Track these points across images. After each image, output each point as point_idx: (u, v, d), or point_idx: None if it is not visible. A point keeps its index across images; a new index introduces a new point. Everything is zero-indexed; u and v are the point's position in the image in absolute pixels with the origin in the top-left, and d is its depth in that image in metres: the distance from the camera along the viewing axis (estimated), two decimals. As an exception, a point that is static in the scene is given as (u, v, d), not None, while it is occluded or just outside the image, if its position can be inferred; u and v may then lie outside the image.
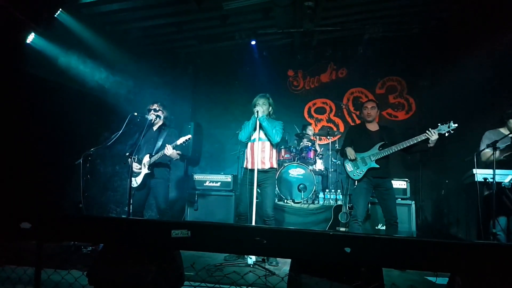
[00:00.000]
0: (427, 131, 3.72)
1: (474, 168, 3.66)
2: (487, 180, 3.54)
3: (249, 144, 4.16)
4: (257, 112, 4.01)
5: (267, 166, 4.07)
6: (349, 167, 4.10)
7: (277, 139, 4.04)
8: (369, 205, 4.91)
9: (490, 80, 5.37)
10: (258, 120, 3.98)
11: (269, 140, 4.08)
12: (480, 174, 3.61)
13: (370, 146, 4.02)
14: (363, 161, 4.01)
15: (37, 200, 4.82)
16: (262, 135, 4.10)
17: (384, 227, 4.54)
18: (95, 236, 2.23)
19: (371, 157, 3.97)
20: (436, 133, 3.70)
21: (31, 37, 5.00)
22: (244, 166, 4.22)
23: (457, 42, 6.16)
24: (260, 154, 4.06)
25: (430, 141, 3.72)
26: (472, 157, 3.73)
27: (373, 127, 4.18)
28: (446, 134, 3.71)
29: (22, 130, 4.86)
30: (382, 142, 3.99)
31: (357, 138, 4.18)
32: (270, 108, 4.19)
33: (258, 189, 4.03)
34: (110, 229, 2.09)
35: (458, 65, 5.99)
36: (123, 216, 5.77)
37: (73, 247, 3.95)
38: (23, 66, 4.98)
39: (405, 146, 3.84)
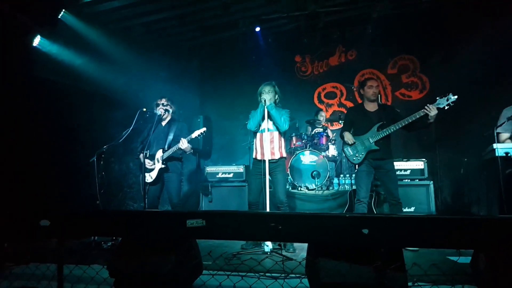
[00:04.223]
0: (425, 107, 3.60)
1: (494, 143, 3.54)
2: (509, 155, 3.42)
3: (258, 134, 4.14)
4: (264, 100, 3.96)
5: (276, 156, 4.08)
6: (348, 151, 4.01)
7: (286, 126, 4.04)
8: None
9: (507, 53, 5.17)
10: (266, 108, 3.94)
11: (277, 129, 4.08)
12: (501, 148, 3.49)
13: (369, 128, 3.91)
14: (362, 144, 3.91)
15: (55, 198, 4.91)
16: (270, 125, 4.09)
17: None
18: (113, 230, 2.27)
19: (370, 139, 3.86)
20: (435, 108, 3.57)
21: (37, 40, 5.04)
22: (254, 156, 4.22)
23: (469, 15, 5.93)
24: (269, 144, 4.06)
25: (429, 117, 3.59)
26: (492, 132, 3.61)
27: (371, 107, 4.04)
28: (446, 107, 3.56)
29: (38, 131, 4.95)
30: (381, 123, 3.87)
31: (356, 119, 4.07)
32: (276, 96, 4.16)
33: (269, 178, 4.04)
34: (127, 223, 2.12)
35: (471, 39, 5.79)
36: (139, 210, 5.84)
37: (93, 243, 4.02)
38: (32, 69, 5.03)
39: (404, 125, 3.72)
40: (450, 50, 6.44)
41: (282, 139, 4.15)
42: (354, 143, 3.94)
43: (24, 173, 4.69)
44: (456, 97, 3.54)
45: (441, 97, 3.60)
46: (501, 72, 5.23)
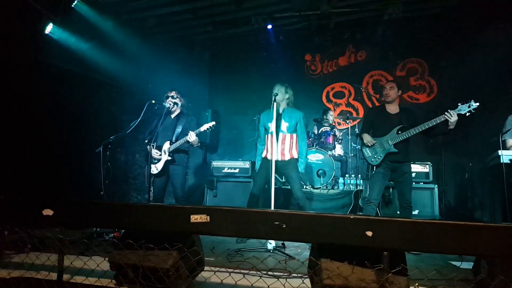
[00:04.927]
0: (446, 113, 3.55)
1: (500, 149, 3.52)
2: (513, 162, 3.41)
3: (269, 135, 4.16)
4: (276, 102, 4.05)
5: (286, 157, 4.14)
6: (367, 152, 3.99)
7: (305, 136, 4.28)
8: (391, 190, 4.82)
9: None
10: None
11: (290, 131, 4.14)
12: (506, 155, 3.48)
13: (389, 130, 3.90)
14: (381, 146, 3.89)
15: (59, 188, 4.96)
16: (283, 127, 4.13)
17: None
18: (116, 222, 2.28)
19: (389, 141, 3.85)
20: (455, 114, 3.52)
21: (49, 28, 5.07)
22: (264, 155, 4.25)
23: (479, 21, 5.88)
24: (280, 145, 4.11)
25: (449, 123, 3.56)
26: (497, 138, 3.59)
27: (393, 109, 4.03)
28: (467, 114, 3.52)
29: (43, 119, 4.99)
30: (401, 126, 3.86)
31: (376, 120, 4.06)
32: (287, 95, 4.17)
33: (280, 178, 4.12)
34: (130, 215, 2.12)
35: (480, 44, 5.74)
36: (144, 203, 5.88)
37: (95, 234, 4.05)
38: (42, 56, 5.07)
39: (423, 129, 3.69)
40: (459, 55, 6.40)
41: (294, 141, 4.20)
42: (374, 144, 3.93)
43: (29, 160, 4.73)
44: (477, 104, 3.49)
45: (462, 103, 3.55)
46: (510, 77, 5.18)
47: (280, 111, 4.19)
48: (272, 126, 4.05)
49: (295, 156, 4.17)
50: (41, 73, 5.00)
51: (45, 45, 5.08)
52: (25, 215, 2.29)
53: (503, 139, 3.72)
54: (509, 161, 3.45)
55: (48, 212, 2.13)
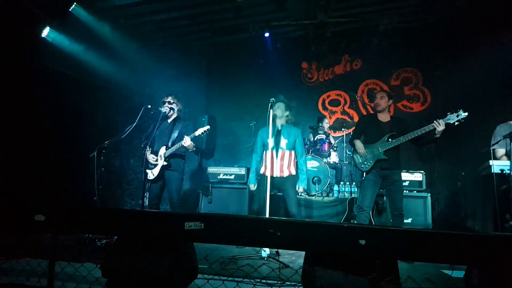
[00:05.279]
0: (434, 121, 3.61)
1: (491, 159, 3.58)
2: (504, 172, 3.45)
3: (268, 152, 4.18)
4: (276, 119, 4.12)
5: (285, 174, 4.17)
6: (357, 158, 4.05)
7: (304, 152, 4.32)
8: (384, 198, 4.84)
9: (508, 69, 5.20)
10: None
11: (289, 149, 4.18)
12: (497, 165, 3.53)
13: (380, 137, 3.96)
14: (372, 153, 3.95)
15: (52, 192, 4.91)
16: (282, 144, 4.17)
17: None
18: (109, 228, 2.25)
19: (379, 148, 3.91)
20: (443, 123, 3.59)
21: (46, 31, 5.07)
22: (262, 172, 4.26)
23: (473, 32, 5.98)
24: (279, 161, 4.15)
25: (436, 132, 3.62)
26: (488, 149, 3.65)
27: (384, 117, 4.10)
28: (456, 123, 3.58)
29: (37, 122, 4.95)
30: (391, 133, 3.92)
31: (368, 128, 4.14)
32: (287, 113, 4.25)
33: (279, 193, 4.13)
34: (124, 221, 2.10)
35: (474, 55, 5.83)
36: (137, 209, 5.85)
37: (88, 240, 4.01)
38: (38, 59, 5.06)
39: (412, 137, 3.75)
40: (453, 65, 6.49)
41: (293, 157, 4.23)
42: (365, 153, 3.98)
43: (22, 164, 4.68)
44: (466, 114, 3.55)
45: (451, 113, 3.62)
46: (502, 88, 5.26)
47: (279, 128, 4.24)
48: (270, 141, 4.09)
49: (293, 172, 4.20)
50: (36, 76, 4.98)
51: (41, 48, 5.07)
52: (17, 221, 2.25)
53: (492, 149, 3.77)
54: (499, 171, 3.50)
55: (40, 217, 2.11)
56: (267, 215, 3.78)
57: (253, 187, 4.36)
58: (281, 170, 4.14)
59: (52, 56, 5.21)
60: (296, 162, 4.29)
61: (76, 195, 5.47)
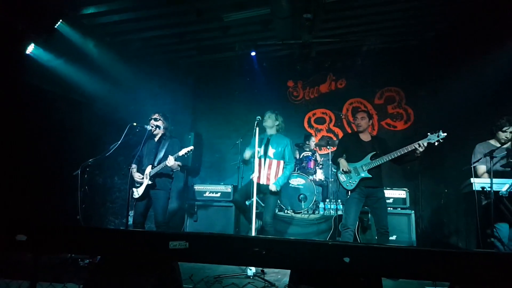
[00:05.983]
0: (416, 143, 3.75)
1: (472, 177, 3.67)
2: (485, 189, 3.55)
3: (257, 159, 4.24)
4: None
5: (271, 182, 4.27)
6: (342, 177, 4.12)
7: (293, 161, 4.43)
8: (369, 216, 4.89)
9: (488, 90, 5.40)
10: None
11: (277, 159, 4.30)
12: (478, 183, 3.62)
13: (363, 156, 4.05)
14: (356, 171, 4.03)
15: (34, 211, 4.79)
16: (270, 153, 4.30)
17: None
18: (92, 248, 2.20)
19: (363, 167, 3.99)
20: (425, 143, 3.71)
21: (30, 48, 5.04)
22: (251, 177, 4.31)
23: (454, 53, 6.24)
24: (266, 170, 4.27)
25: (417, 151, 3.74)
26: (469, 167, 3.75)
27: (365, 137, 4.21)
28: (436, 144, 3.72)
29: (19, 140, 4.86)
30: (374, 152, 4.02)
31: (350, 147, 4.22)
32: (277, 122, 4.36)
33: (261, 201, 4.23)
34: (107, 241, 2.06)
35: (454, 75, 6.06)
36: (121, 228, 5.74)
37: (70, 260, 3.90)
38: (22, 76, 5.01)
39: (394, 157, 3.86)
40: (435, 85, 6.71)
41: (280, 167, 4.34)
42: (349, 170, 4.04)
43: (3, 182, 4.57)
44: (445, 134, 3.69)
45: (432, 133, 3.75)
46: (483, 107, 5.44)
47: (269, 136, 4.38)
48: (260, 149, 4.22)
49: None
50: (20, 93, 4.93)
51: (25, 65, 5.04)
52: (-3, 241, 2.19)
53: (473, 166, 3.88)
54: (480, 189, 3.59)
55: (21, 237, 2.06)
56: (253, 225, 3.83)
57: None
58: (267, 179, 4.27)
59: (37, 73, 5.17)
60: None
61: (59, 214, 5.34)
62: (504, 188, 3.48)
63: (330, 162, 6.23)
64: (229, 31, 6.22)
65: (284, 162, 4.37)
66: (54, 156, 5.32)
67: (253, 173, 4.31)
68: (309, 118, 7.79)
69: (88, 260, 3.91)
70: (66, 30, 5.36)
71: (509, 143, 3.82)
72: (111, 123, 6.05)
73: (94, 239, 2.09)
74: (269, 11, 5.36)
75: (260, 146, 4.26)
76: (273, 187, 4.22)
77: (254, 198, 3.97)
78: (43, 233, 2.10)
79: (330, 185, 6.29)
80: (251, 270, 3.58)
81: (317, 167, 6.32)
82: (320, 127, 7.73)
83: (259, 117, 4.11)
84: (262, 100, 7.25)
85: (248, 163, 4.45)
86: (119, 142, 4.12)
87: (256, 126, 4.03)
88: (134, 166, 4.26)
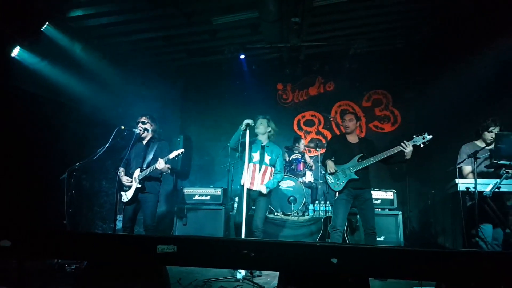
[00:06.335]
0: (401, 143, 3.80)
1: (457, 178, 3.73)
2: (469, 190, 3.61)
3: (251, 164, 4.28)
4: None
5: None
6: (330, 178, 4.16)
7: (283, 169, 4.50)
8: (358, 217, 4.93)
9: (472, 92, 5.50)
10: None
11: (270, 165, 4.33)
12: (463, 183, 3.68)
13: (350, 158, 4.10)
14: (343, 173, 4.07)
15: (19, 216, 4.69)
16: (266, 159, 4.31)
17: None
18: (79, 253, 2.17)
19: (351, 169, 4.03)
20: (411, 145, 3.78)
21: (16, 51, 4.96)
22: (242, 183, 4.29)
23: (440, 56, 6.35)
24: (261, 176, 4.27)
25: (405, 153, 3.80)
26: (454, 168, 3.81)
27: (353, 139, 4.26)
28: (422, 146, 3.78)
29: (4, 143, 4.77)
30: (361, 154, 4.06)
31: (338, 149, 4.26)
32: (269, 129, 4.37)
33: (253, 206, 4.21)
34: (94, 245, 2.04)
35: (440, 78, 6.16)
36: (109, 232, 5.67)
37: (56, 265, 3.84)
38: (7, 79, 4.92)
39: (381, 158, 3.91)
40: (421, 87, 6.83)
41: (272, 173, 4.38)
42: (336, 171, 4.07)
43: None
44: (431, 136, 3.75)
45: (417, 135, 3.81)
46: (468, 109, 5.53)
47: (263, 144, 4.38)
48: (250, 157, 4.24)
49: (271, 187, 4.31)
50: (4, 96, 4.84)
51: (10, 68, 4.95)
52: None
53: (458, 167, 3.94)
54: (465, 189, 3.65)
55: (5, 242, 2.02)
56: (243, 229, 3.85)
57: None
58: (261, 184, 4.26)
59: (22, 76, 5.08)
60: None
61: (45, 219, 5.24)
62: (488, 189, 3.54)
63: (319, 164, 6.27)
64: (218, 34, 6.24)
65: (274, 170, 4.41)
66: (40, 160, 5.22)
67: (243, 177, 4.32)
68: (299, 121, 7.84)
69: (75, 265, 3.84)
70: (52, 33, 5.29)
71: (493, 145, 3.89)
72: (99, 126, 5.98)
73: (81, 244, 2.06)
74: (257, 14, 5.38)
75: (254, 151, 4.29)
76: (263, 188, 4.21)
77: (245, 200, 3.95)
78: (28, 238, 2.07)
79: (320, 187, 6.33)
80: (241, 274, 3.57)
81: (306, 169, 6.36)
82: (309, 129, 7.78)
83: (247, 121, 4.07)
84: (251, 103, 7.28)
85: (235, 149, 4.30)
86: (107, 146, 4.07)
87: (246, 130, 4.05)
88: (121, 169, 4.21)
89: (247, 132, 4.10)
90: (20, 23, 4.96)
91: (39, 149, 5.27)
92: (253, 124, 4.16)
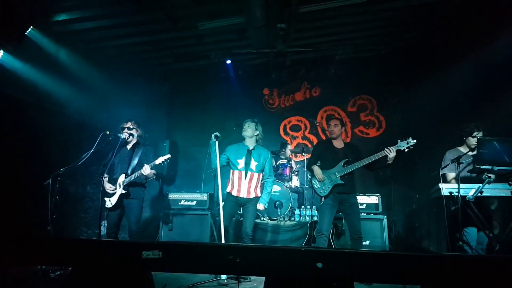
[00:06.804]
0: (385, 149, 3.87)
1: (440, 183, 3.81)
2: (452, 194, 3.68)
3: (236, 172, 4.25)
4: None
5: (251, 195, 4.25)
6: (315, 183, 4.20)
7: (273, 174, 4.46)
8: (343, 221, 4.98)
9: (455, 98, 5.63)
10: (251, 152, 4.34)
11: (258, 172, 4.27)
12: (446, 188, 3.76)
13: (336, 163, 4.15)
14: (329, 178, 4.12)
15: (1, 222, 4.59)
16: (252, 165, 4.25)
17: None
18: (63, 259, 2.15)
19: (336, 174, 4.09)
20: (394, 150, 3.84)
21: (-1, 54, 4.88)
22: (228, 190, 4.28)
23: (424, 62, 6.47)
24: (247, 183, 4.22)
25: (388, 158, 3.87)
26: (437, 172, 3.89)
27: (338, 144, 4.31)
28: (406, 150, 3.86)
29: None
30: (347, 159, 4.12)
31: (324, 154, 4.31)
32: (257, 132, 4.36)
33: (239, 211, 4.19)
34: (78, 252, 2.02)
35: (425, 83, 6.27)
36: (93, 238, 5.58)
37: (40, 272, 3.78)
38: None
39: (366, 163, 3.97)
40: (405, 93, 6.93)
41: (260, 180, 4.33)
42: (323, 178, 4.11)
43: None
44: (415, 141, 3.84)
45: (401, 140, 3.89)
46: (452, 113, 5.63)
47: (250, 148, 4.32)
48: (242, 163, 4.23)
49: (259, 194, 4.29)
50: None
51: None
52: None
53: (442, 173, 4.02)
54: (448, 194, 3.72)
55: (-13, 250, 1.98)
56: (222, 234, 3.89)
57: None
58: (248, 192, 4.22)
59: (6, 80, 4.99)
60: (263, 183, 4.37)
61: (29, 225, 5.13)
62: (471, 193, 3.62)
63: (305, 169, 6.31)
64: (205, 39, 6.26)
65: (263, 176, 4.35)
66: (24, 165, 5.12)
67: (229, 184, 4.31)
68: (285, 126, 7.89)
69: (59, 272, 3.79)
70: (37, 37, 5.23)
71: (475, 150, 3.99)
72: (84, 131, 5.90)
73: (65, 250, 2.03)
74: (243, 20, 5.42)
75: (239, 157, 4.25)
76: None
77: (221, 205, 4.00)
78: (11, 244, 2.04)
79: (306, 191, 6.36)
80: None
81: (292, 174, 6.39)
82: (295, 134, 7.84)
83: (213, 139, 4.14)
84: (238, 108, 7.30)
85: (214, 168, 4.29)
86: (92, 151, 4.02)
87: (216, 140, 4.13)
88: (106, 176, 4.16)
89: (216, 142, 4.14)
90: (3, 27, 4.88)
91: (23, 154, 5.17)
92: (220, 136, 4.16)
